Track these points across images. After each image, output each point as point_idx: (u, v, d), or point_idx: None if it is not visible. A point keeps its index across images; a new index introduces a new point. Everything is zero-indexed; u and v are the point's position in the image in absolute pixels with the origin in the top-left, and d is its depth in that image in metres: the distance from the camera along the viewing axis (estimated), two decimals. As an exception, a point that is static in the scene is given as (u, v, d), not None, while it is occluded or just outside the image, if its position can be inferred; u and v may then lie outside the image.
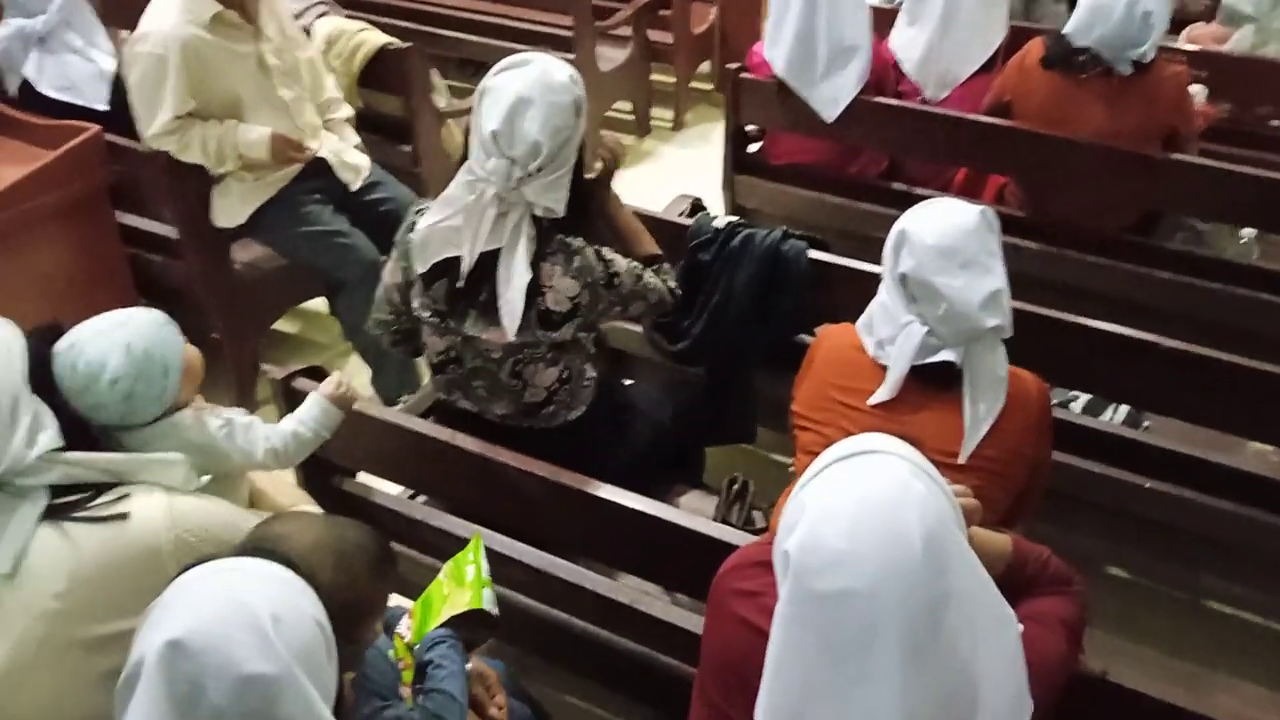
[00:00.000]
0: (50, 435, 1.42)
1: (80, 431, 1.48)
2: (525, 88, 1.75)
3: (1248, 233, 3.02)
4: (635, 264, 2.00)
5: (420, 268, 1.89)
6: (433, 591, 1.52)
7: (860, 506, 1.06)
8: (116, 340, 1.51)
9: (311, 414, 1.75)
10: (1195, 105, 2.86)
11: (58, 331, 1.54)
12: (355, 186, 2.90)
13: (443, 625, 1.47)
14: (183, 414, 1.60)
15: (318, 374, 2.00)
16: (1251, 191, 2.62)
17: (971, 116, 2.89)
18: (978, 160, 3.01)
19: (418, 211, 1.94)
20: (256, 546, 1.15)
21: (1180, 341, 2.08)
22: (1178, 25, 3.46)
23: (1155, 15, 2.54)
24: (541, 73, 1.78)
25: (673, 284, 2.10)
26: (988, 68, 2.99)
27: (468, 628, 1.50)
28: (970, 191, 3.09)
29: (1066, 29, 2.66)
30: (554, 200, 1.82)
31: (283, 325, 3.34)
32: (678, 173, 4.27)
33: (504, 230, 1.82)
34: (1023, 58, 2.83)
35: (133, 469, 1.48)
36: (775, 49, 2.92)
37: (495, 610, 1.49)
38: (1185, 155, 2.72)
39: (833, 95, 2.88)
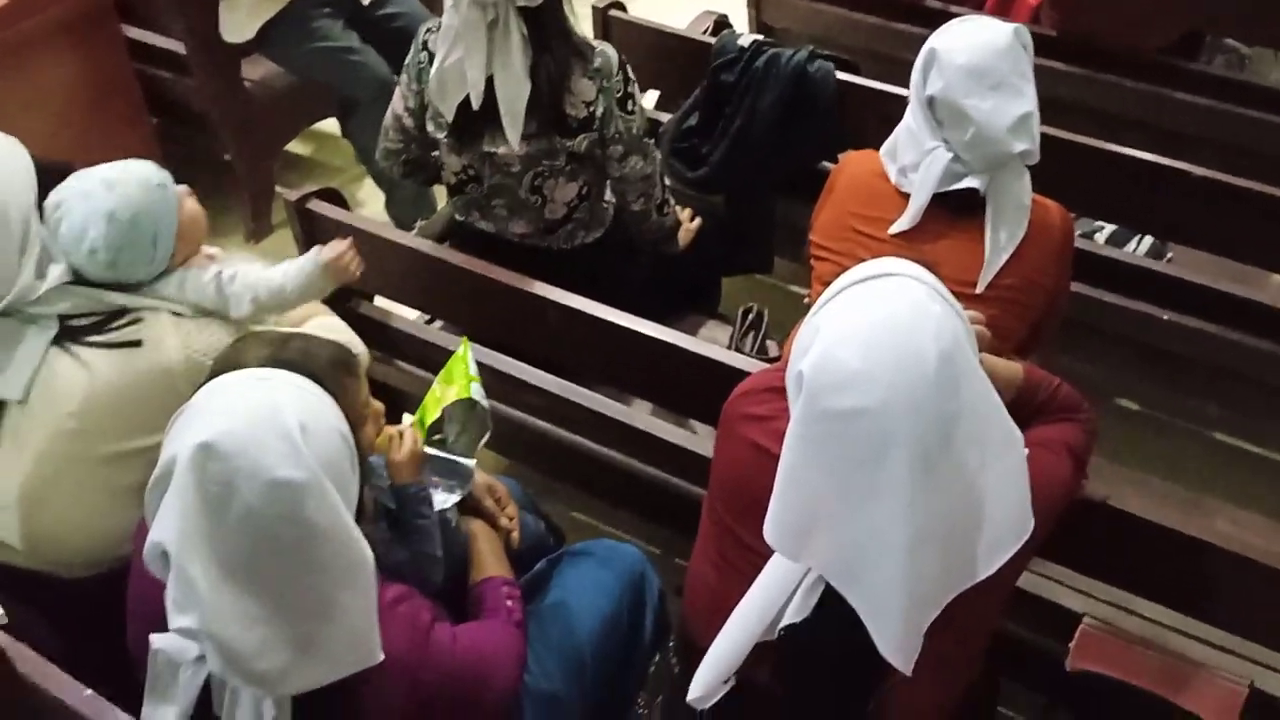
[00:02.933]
0: (60, 270, 1.42)
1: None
2: None
3: (1299, 57, 2.89)
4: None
5: (447, 111, 1.86)
6: (427, 398, 1.56)
7: (875, 327, 1.07)
8: (100, 206, 1.43)
9: (302, 273, 1.65)
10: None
11: (66, 173, 1.49)
12: (366, 0, 2.80)
13: (435, 425, 1.50)
14: (174, 274, 1.54)
15: (332, 196, 1.99)
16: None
17: None
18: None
19: (428, 31, 1.89)
20: (278, 358, 1.16)
21: (1213, 170, 2.02)
22: None
23: None
24: None
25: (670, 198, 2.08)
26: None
27: (462, 425, 1.54)
28: (1005, 10, 2.94)
29: None
30: None
31: (296, 147, 3.29)
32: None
33: (499, 40, 1.78)
34: None
35: (141, 305, 1.48)
36: None
37: (484, 402, 1.52)
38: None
39: None
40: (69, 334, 1.44)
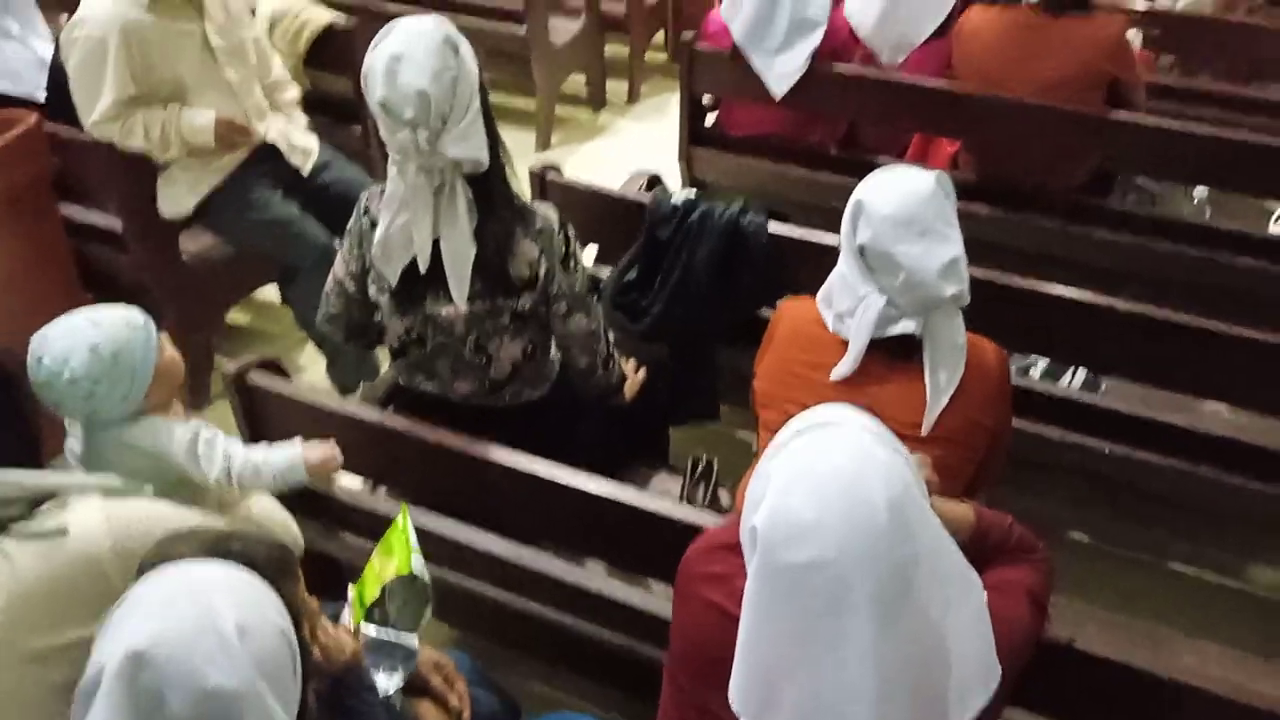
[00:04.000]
0: None
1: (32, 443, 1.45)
2: (393, 47, 1.73)
3: (1199, 192, 3.05)
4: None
5: (392, 274, 1.88)
6: (366, 572, 1.51)
7: (824, 477, 1.07)
8: (84, 339, 1.52)
9: (283, 462, 1.71)
10: (1134, 52, 2.86)
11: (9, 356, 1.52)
12: (306, 170, 2.85)
13: (376, 602, 1.46)
14: (150, 420, 1.59)
15: (272, 366, 1.96)
16: (1200, 150, 2.63)
17: (921, 80, 2.88)
18: (930, 124, 3.01)
19: (369, 197, 1.92)
20: (218, 548, 1.12)
21: (1135, 303, 2.09)
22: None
23: None
24: (404, 28, 1.75)
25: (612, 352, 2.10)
26: (941, 32, 2.98)
27: (403, 600, 1.49)
28: (923, 157, 3.09)
29: None
30: (475, 148, 1.79)
31: (235, 316, 3.28)
32: (634, 147, 4.25)
33: (445, 204, 1.81)
34: (961, 25, 2.84)
35: (64, 489, 1.44)
36: (735, 13, 2.90)
37: (425, 576, 1.49)
38: (1132, 109, 2.72)
39: (784, 70, 2.87)
40: None
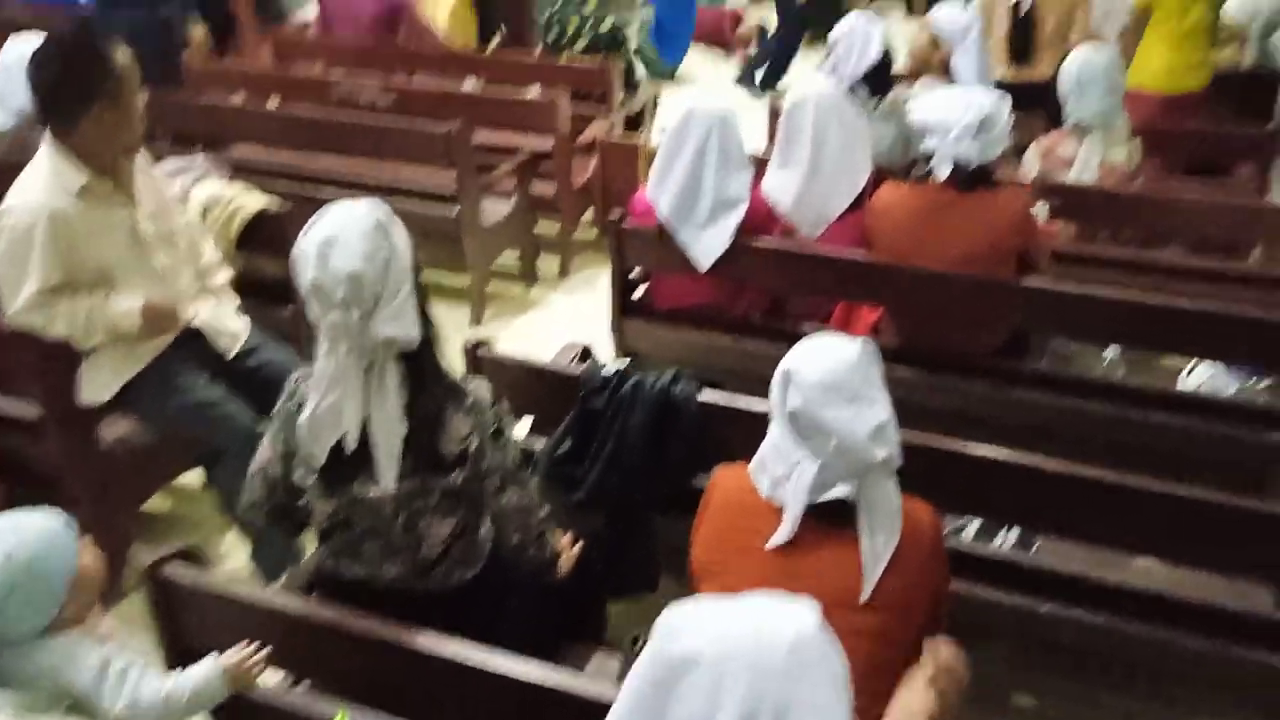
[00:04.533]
0: None
1: None
2: (325, 230, 1.76)
3: (1110, 352, 3.17)
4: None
5: (319, 454, 1.85)
6: None
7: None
8: None
9: (197, 680, 1.61)
10: (1040, 224, 3.02)
11: None
12: (233, 352, 2.83)
13: None
14: (59, 642, 1.48)
15: (190, 556, 1.89)
16: (1107, 312, 2.75)
17: (842, 252, 3.00)
18: (851, 294, 3.12)
19: (298, 378, 1.91)
20: None
21: (1060, 461, 2.13)
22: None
23: (992, 116, 2.70)
24: (337, 213, 1.79)
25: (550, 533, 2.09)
26: (856, 205, 3.13)
27: None
28: (846, 324, 3.18)
29: (924, 144, 2.81)
30: (406, 327, 1.79)
31: (154, 503, 3.16)
32: (566, 321, 4.32)
33: (375, 382, 1.80)
34: (874, 202, 2.98)
35: None
36: (660, 192, 3.01)
37: None
38: (1040, 277, 2.85)
39: (710, 245, 2.98)
40: None
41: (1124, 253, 3.64)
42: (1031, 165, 3.61)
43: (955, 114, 2.70)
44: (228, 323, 2.86)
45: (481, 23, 6.33)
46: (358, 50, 5.32)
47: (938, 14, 3.97)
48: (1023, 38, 4.54)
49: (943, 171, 2.77)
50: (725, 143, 2.93)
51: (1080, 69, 3.48)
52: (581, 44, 5.25)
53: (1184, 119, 4.40)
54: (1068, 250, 3.49)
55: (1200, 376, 3.07)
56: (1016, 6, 4.51)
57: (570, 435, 2.40)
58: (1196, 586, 2.20)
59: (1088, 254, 3.56)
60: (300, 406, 1.86)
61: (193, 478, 3.04)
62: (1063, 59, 3.61)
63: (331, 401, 1.81)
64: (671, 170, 2.98)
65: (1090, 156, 3.51)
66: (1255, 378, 2.97)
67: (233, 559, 2.94)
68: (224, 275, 2.97)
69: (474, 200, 4.22)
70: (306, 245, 1.76)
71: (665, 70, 7.32)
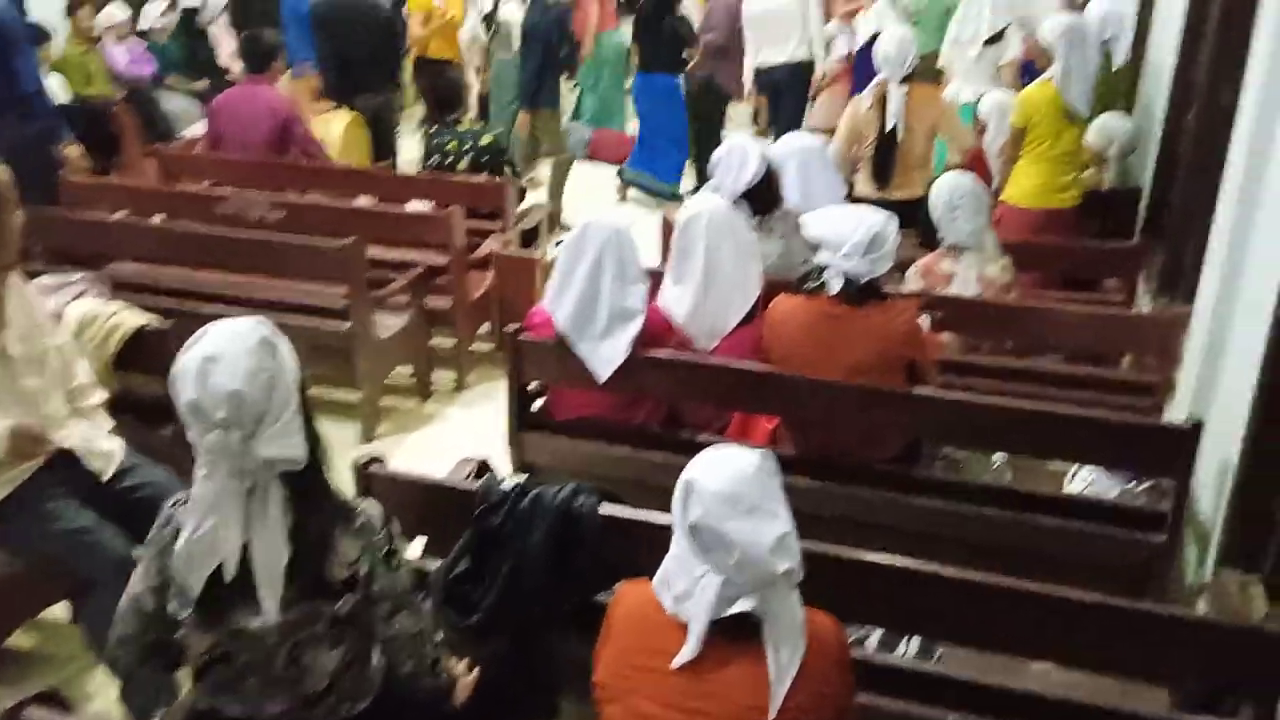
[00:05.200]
0: None
1: None
2: (206, 348, 1.71)
3: (999, 457, 3.27)
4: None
5: (195, 584, 1.75)
6: None
7: None
8: None
9: None
10: (927, 335, 3.13)
11: None
12: (107, 476, 2.69)
13: None
14: None
15: (54, 699, 1.75)
16: (991, 420, 2.84)
17: (738, 364, 3.04)
18: (748, 404, 3.15)
19: (174, 503, 1.82)
20: None
21: (956, 568, 2.16)
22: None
23: (881, 234, 2.80)
24: (218, 331, 1.75)
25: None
26: (750, 317, 3.19)
27: None
28: (744, 433, 3.21)
29: (815, 258, 2.90)
30: (291, 448, 1.74)
31: (16, 640, 2.94)
32: (462, 435, 4.26)
33: (257, 506, 1.73)
34: (769, 313, 3.05)
35: None
36: (558, 305, 3.02)
37: None
38: (928, 386, 2.94)
39: (608, 356, 2.99)
40: None
41: (1006, 361, 3.79)
42: (913, 284, 3.77)
43: (847, 231, 2.81)
44: (101, 444, 2.73)
45: (375, 145, 6.39)
46: (247, 166, 5.28)
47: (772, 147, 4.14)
48: (887, 159, 4.76)
49: (835, 285, 2.86)
50: (621, 256, 2.98)
51: (950, 193, 3.68)
52: (464, 164, 5.29)
53: (1056, 234, 4.67)
54: (954, 360, 3.62)
55: (1084, 480, 3.18)
56: (882, 127, 4.74)
57: (467, 555, 2.33)
58: (1096, 690, 2.23)
59: (972, 363, 3.70)
60: (176, 533, 1.77)
61: (59, 611, 2.84)
62: (931, 180, 3.81)
63: (209, 527, 1.72)
64: (569, 283, 3.00)
65: (968, 273, 3.68)
66: (1134, 481, 3.08)
67: (101, 699, 2.74)
68: (98, 396, 2.84)
69: (366, 315, 4.17)
70: (186, 363, 1.70)
71: (666, 191, 7.31)
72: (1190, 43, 4.77)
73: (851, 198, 4.68)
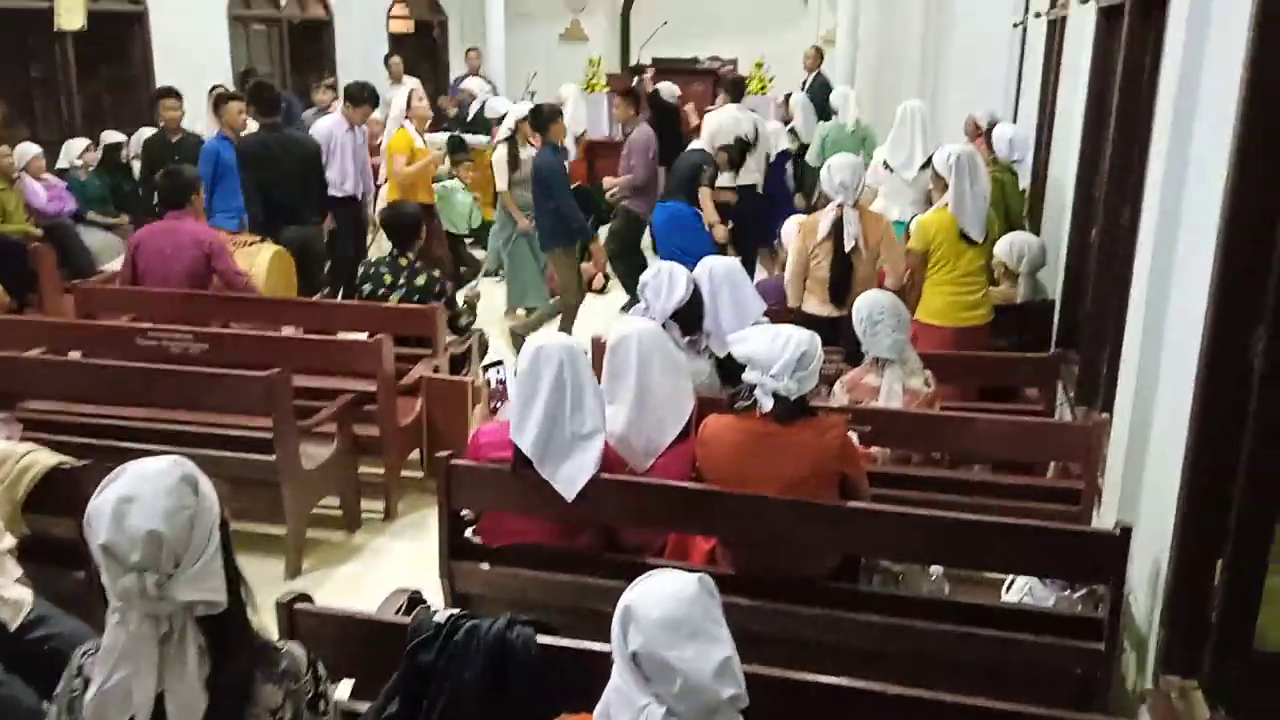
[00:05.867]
0: None
1: None
2: (122, 489, 1.66)
3: (936, 569, 3.27)
4: None
5: None
6: None
7: None
8: None
9: None
10: (857, 450, 3.16)
11: None
12: (14, 625, 2.55)
13: None
14: None
15: None
16: (926, 532, 2.85)
17: (675, 483, 3.03)
18: (685, 524, 3.12)
19: (84, 653, 1.72)
20: None
21: (898, 686, 2.13)
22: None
23: (809, 353, 2.85)
24: (135, 469, 1.69)
25: None
26: (684, 435, 3.19)
27: None
28: (681, 554, 3.18)
29: (745, 377, 2.92)
30: (211, 590, 1.67)
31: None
32: (393, 567, 4.15)
33: (173, 653, 1.65)
34: (702, 432, 3.06)
35: None
36: (522, 431, 2.95)
37: None
38: (862, 500, 2.95)
39: (572, 475, 2.93)
40: None
41: (936, 472, 3.83)
42: (840, 398, 3.83)
43: (776, 350, 2.85)
44: (9, 592, 2.59)
45: (303, 277, 6.36)
46: (167, 298, 5.19)
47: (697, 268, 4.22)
48: (845, 278, 4.88)
49: (766, 404, 2.88)
50: (578, 376, 2.94)
51: (870, 308, 3.80)
52: (396, 297, 5.27)
53: (970, 348, 4.80)
54: (885, 472, 3.65)
55: (1020, 589, 3.19)
56: (839, 249, 4.87)
57: (398, 694, 2.22)
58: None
59: (904, 475, 3.73)
60: (86, 684, 1.67)
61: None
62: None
63: (121, 677, 1.63)
64: (530, 409, 2.93)
65: (893, 385, 3.75)
66: (1070, 589, 3.10)
67: None
68: (6, 541, 2.71)
69: (292, 446, 4.08)
70: (101, 504, 1.64)
71: None
72: (1088, 165, 5.06)
73: (801, 315, 4.83)
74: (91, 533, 1.64)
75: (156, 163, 6.60)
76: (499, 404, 3.35)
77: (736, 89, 8.30)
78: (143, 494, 1.63)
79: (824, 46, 12.07)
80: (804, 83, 10.45)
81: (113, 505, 1.63)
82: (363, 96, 7.14)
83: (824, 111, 8.87)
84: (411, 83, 9.36)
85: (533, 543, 3.13)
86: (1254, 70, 2.35)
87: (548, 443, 2.95)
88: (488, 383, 3.35)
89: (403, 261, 5.32)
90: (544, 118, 6.67)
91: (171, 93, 7.30)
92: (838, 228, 4.87)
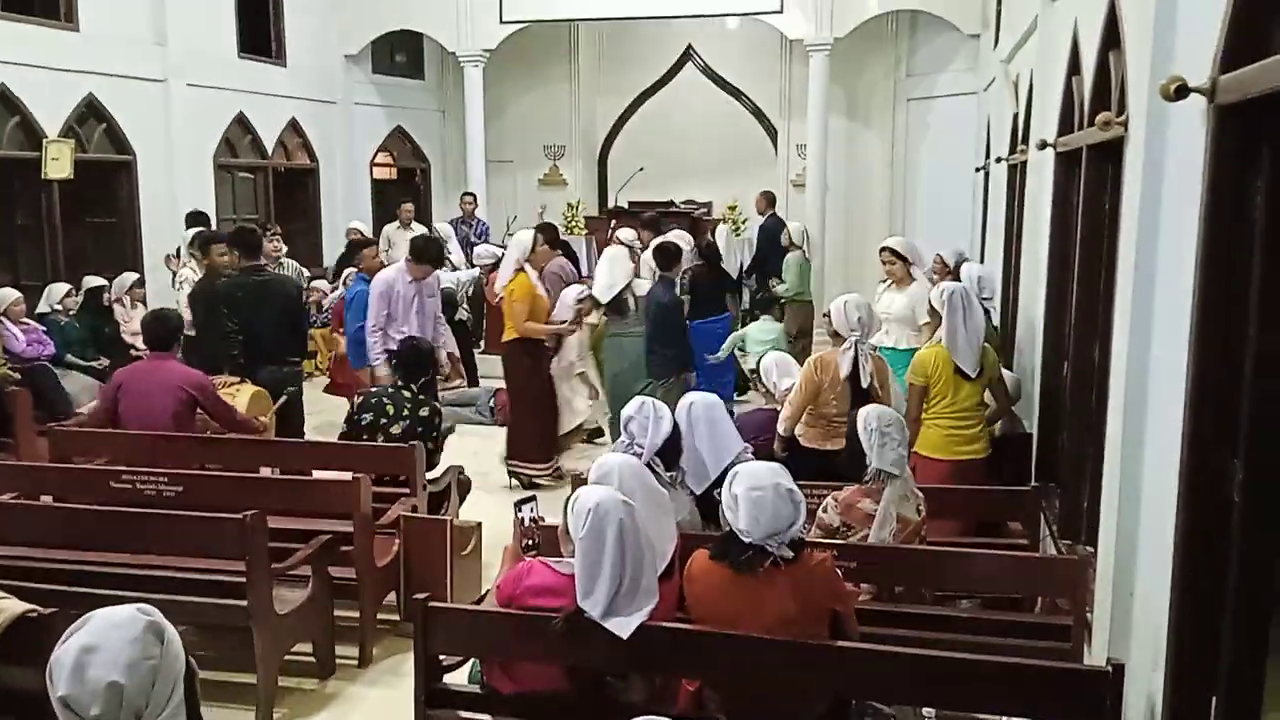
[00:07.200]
0: None
1: None
2: (84, 639, 1.62)
3: (928, 712, 3.18)
4: None
5: None
6: None
7: None
8: None
9: None
10: (845, 586, 3.11)
11: None
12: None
13: None
14: None
15: None
16: (915, 673, 2.78)
17: (661, 624, 2.95)
18: (672, 667, 3.04)
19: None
20: None
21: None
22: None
23: (795, 492, 2.83)
24: (100, 618, 1.66)
25: None
26: (667, 574, 3.13)
27: None
28: (665, 698, 3.08)
29: (738, 527, 2.86)
30: None
31: None
32: (367, 715, 3.99)
33: None
34: (689, 570, 3.00)
35: None
36: (592, 594, 2.82)
37: None
38: (848, 636, 2.88)
39: (630, 621, 2.81)
40: None
41: (925, 608, 3.77)
42: (832, 517, 3.78)
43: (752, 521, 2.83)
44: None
45: (282, 418, 6.32)
46: (145, 441, 5.14)
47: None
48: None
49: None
50: (639, 536, 2.85)
51: (878, 420, 3.77)
52: (398, 428, 5.27)
53: (968, 482, 4.79)
54: (873, 609, 3.59)
55: (1014, 729, 3.10)
56: (857, 381, 4.90)
57: None
58: None
59: (891, 611, 3.67)
60: None
61: None
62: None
63: None
64: (599, 571, 2.80)
65: (889, 507, 3.69)
66: (1065, 728, 3.02)
67: None
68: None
69: (266, 589, 3.97)
70: (63, 654, 1.60)
71: None
72: (1055, 303, 5.18)
73: (798, 447, 4.85)
74: (52, 685, 1.59)
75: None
76: (531, 541, 3.26)
77: (653, 224, 8.85)
78: (106, 644, 1.59)
79: (794, 189, 12.50)
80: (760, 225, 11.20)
81: (74, 656, 1.59)
82: (427, 254, 6.71)
83: (775, 245, 9.86)
84: (419, 228, 10.08)
85: (546, 690, 3.01)
86: (1212, 206, 2.45)
87: (613, 601, 2.86)
88: (521, 520, 3.27)
89: (406, 393, 5.34)
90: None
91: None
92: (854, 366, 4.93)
